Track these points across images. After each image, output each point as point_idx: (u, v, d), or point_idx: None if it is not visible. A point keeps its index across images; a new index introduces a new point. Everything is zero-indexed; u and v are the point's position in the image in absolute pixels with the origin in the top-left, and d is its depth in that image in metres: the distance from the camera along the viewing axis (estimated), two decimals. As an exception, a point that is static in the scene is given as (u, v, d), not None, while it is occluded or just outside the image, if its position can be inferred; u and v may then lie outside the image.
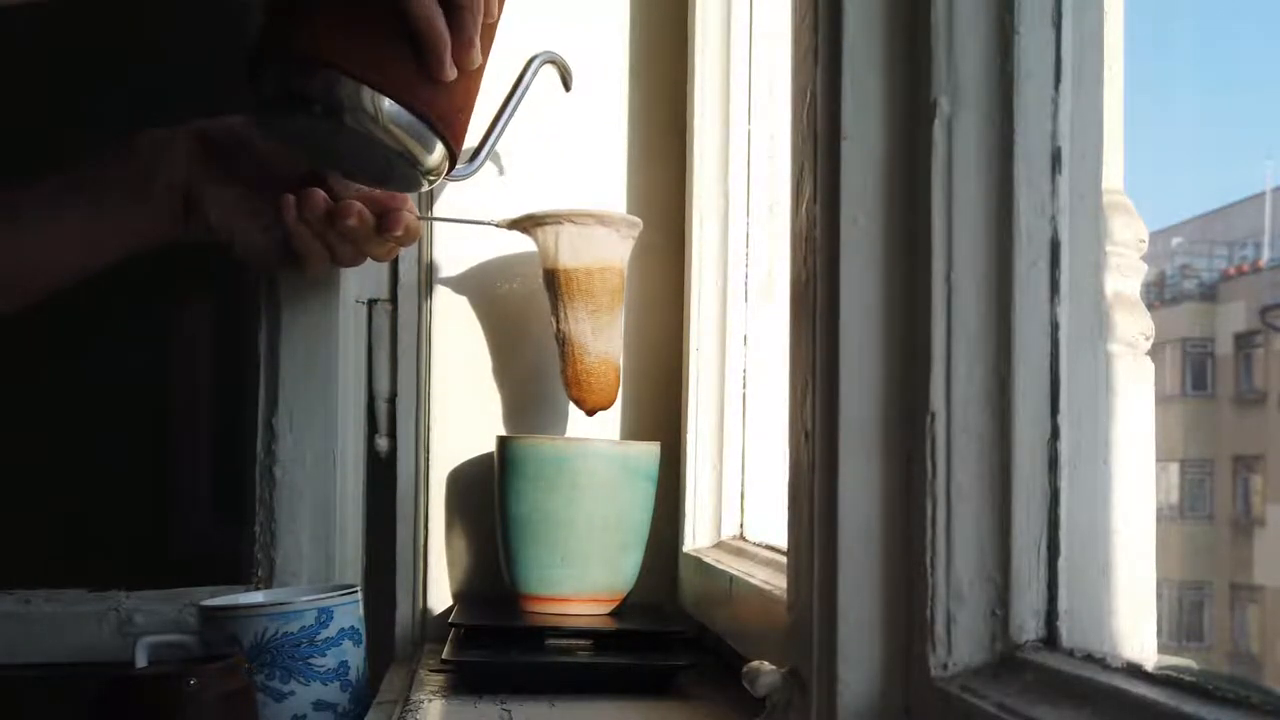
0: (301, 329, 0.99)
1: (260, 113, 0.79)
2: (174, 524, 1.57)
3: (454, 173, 0.84)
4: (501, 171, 1.05)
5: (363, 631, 0.87)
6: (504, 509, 0.95)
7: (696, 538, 1.00)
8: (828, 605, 0.52)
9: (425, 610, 1.04)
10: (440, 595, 1.04)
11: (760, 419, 0.98)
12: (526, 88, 0.92)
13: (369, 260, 0.91)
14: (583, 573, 0.94)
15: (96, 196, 0.89)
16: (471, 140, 0.85)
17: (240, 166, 0.89)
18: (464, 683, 0.85)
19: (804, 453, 0.55)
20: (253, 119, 0.81)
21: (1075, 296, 0.48)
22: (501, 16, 0.80)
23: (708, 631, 0.92)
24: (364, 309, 1.04)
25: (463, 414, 1.05)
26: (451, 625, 0.91)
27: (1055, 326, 0.48)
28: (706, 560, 0.92)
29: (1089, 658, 0.44)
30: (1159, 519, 0.51)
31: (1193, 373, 12.57)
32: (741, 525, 0.98)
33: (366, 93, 0.74)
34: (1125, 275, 0.51)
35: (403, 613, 1.03)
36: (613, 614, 0.96)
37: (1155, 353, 0.51)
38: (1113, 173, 0.50)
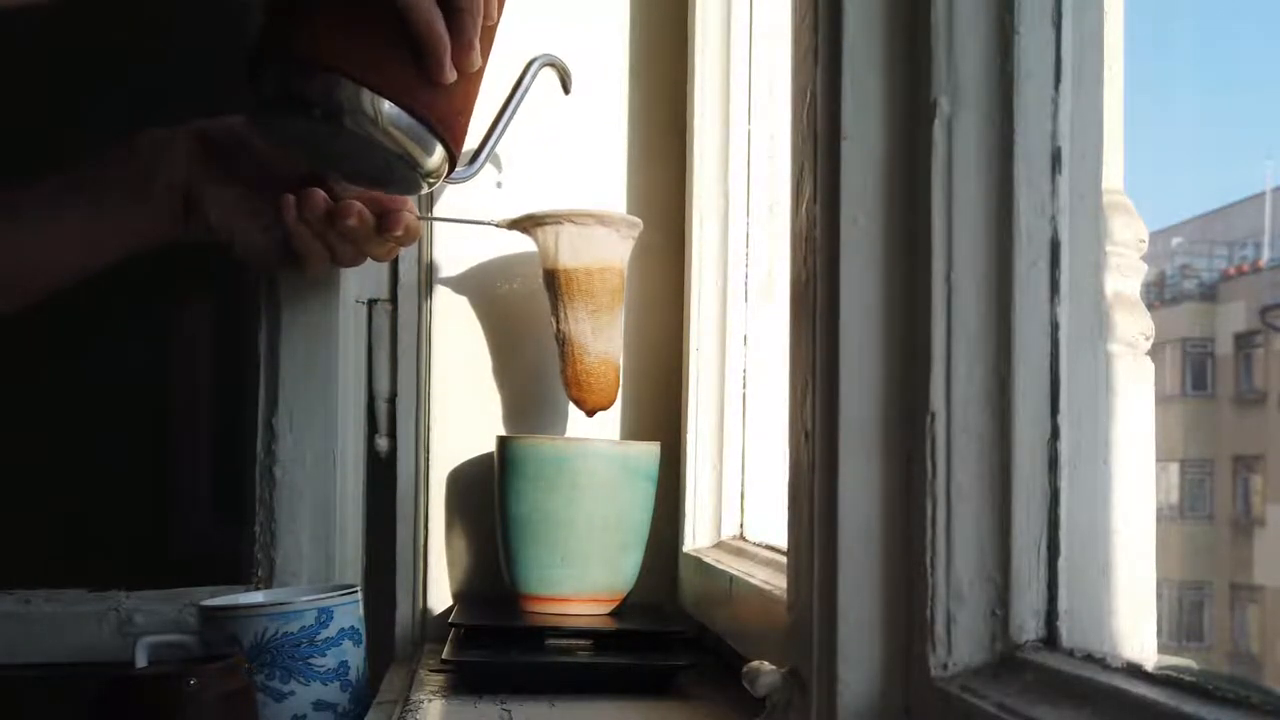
0: (301, 329, 0.99)
1: (259, 114, 0.79)
2: (174, 524, 1.57)
3: (453, 175, 0.84)
4: (501, 173, 1.05)
5: (363, 631, 0.87)
6: (504, 509, 0.95)
7: (696, 538, 1.00)
8: (828, 605, 0.52)
9: (425, 610, 1.04)
10: (440, 595, 1.04)
11: (760, 419, 0.98)
12: (526, 90, 0.92)
13: (369, 260, 0.91)
14: (583, 573, 0.94)
15: (96, 196, 0.89)
16: (471, 142, 0.85)
17: (240, 166, 0.89)
18: (464, 683, 0.85)
19: (804, 453, 0.55)
20: (252, 119, 0.81)
21: (1075, 296, 0.48)
22: (501, 19, 0.80)
23: (708, 631, 0.92)
24: (364, 309, 1.04)
25: (463, 414, 1.05)
26: (451, 625, 0.91)
27: (1055, 326, 0.48)
28: (706, 560, 0.92)
29: (1089, 658, 0.44)
30: (1159, 519, 0.51)
31: (1193, 373, 12.57)
32: (741, 525, 0.98)
33: (366, 95, 0.74)
34: (1125, 275, 0.51)
35: (403, 613, 1.03)
36: (613, 614, 0.96)
37: (1155, 353, 0.51)
38: (1113, 173, 0.50)
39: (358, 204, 0.86)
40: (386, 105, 0.75)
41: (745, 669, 0.60)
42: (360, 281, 1.03)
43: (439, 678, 0.88)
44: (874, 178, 0.52)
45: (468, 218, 1.00)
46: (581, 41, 1.06)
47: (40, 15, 0.73)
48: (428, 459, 1.05)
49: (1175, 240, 13.57)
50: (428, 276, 1.05)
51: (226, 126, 0.89)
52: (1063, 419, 0.47)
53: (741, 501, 0.98)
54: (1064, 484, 0.47)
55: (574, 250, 0.94)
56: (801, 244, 0.57)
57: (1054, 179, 0.48)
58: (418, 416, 1.05)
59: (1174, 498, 12.09)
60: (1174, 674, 0.38)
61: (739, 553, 0.91)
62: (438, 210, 1.05)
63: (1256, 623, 11.10)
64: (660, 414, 1.05)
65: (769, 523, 0.96)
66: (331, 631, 0.83)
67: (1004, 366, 0.48)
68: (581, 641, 0.90)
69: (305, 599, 0.84)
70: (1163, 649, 0.50)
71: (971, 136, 0.49)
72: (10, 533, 1.26)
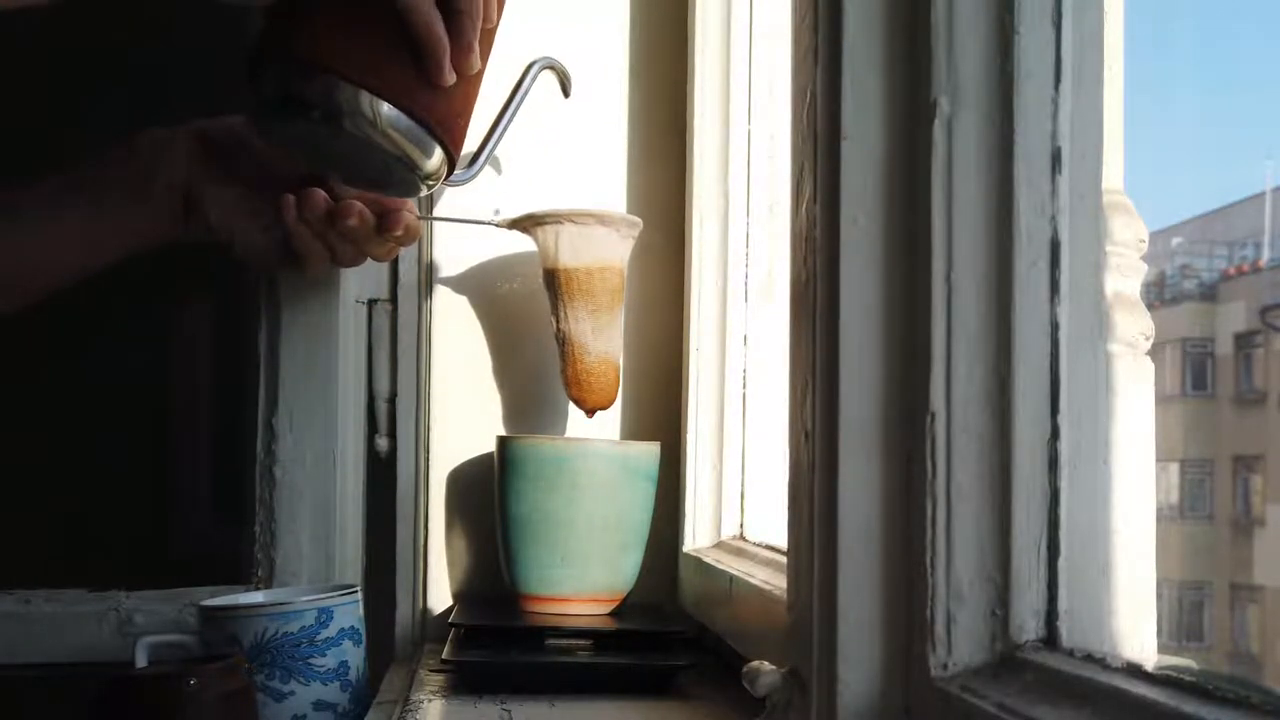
0: (301, 329, 0.99)
1: (259, 115, 0.79)
2: (174, 524, 1.58)
3: (453, 177, 0.84)
4: (500, 175, 1.05)
5: (363, 631, 0.87)
6: (504, 509, 0.95)
7: (696, 538, 1.00)
8: (828, 605, 0.52)
9: (425, 610, 1.04)
10: (440, 595, 1.04)
11: (760, 419, 0.98)
12: (525, 93, 0.92)
13: (369, 260, 0.91)
14: (583, 573, 0.94)
15: (97, 196, 0.89)
16: (470, 145, 0.85)
17: (240, 166, 0.89)
18: (464, 683, 0.85)
19: (804, 453, 0.55)
20: (252, 120, 0.81)
21: (1075, 296, 0.48)
22: (501, 21, 0.80)
23: (708, 631, 0.92)
24: (364, 309, 1.04)
25: (463, 414, 1.05)
26: (451, 625, 0.91)
27: (1055, 326, 0.48)
28: (706, 560, 0.92)
29: (1089, 658, 0.44)
30: (1159, 519, 0.51)
31: (1193, 373, 12.57)
32: (741, 525, 0.98)
33: (365, 97, 0.74)
34: (1125, 275, 0.51)
35: (403, 613, 1.03)
36: (613, 614, 0.96)
37: (1155, 353, 0.51)
38: (1113, 173, 0.50)
39: (358, 204, 0.86)
40: (385, 107, 0.75)
41: (745, 669, 0.60)
42: (360, 281, 1.03)
43: (439, 678, 0.88)
44: (874, 178, 0.52)
45: (468, 217, 1.00)
46: (581, 42, 1.06)
47: (40, 15, 0.73)
48: (428, 459, 1.05)
49: (1175, 240, 13.57)
50: (428, 276, 1.05)
51: (226, 126, 0.89)
52: (1063, 419, 0.47)
53: (741, 501, 0.98)
54: (1064, 484, 0.47)
55: (574, 250, 0.94)
56: (801, 244, 0.57)
57: (1054, 179, 0.48)
58: (418, 416, 1.05)
59: (1174, 498, 12.09)
60: (1174, 674, 0.38)
61: (739, 553, 0.91)
62: (438, 210, 1.05)
63: (1256, 623, 11.10)
64: (660, 414, 1.05)
65: (769, 523, 0.96)
66: (331, 631, 0.83)
67: (1004, 366, 0.48)
68: (581, 641, 0.90)
69: (305, 599, 0.84)
70: (1163, 649, 0.50)
71: (971, 136, 0.49)
72: (10, 533, 1.26)
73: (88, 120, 1.32)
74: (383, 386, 1.05)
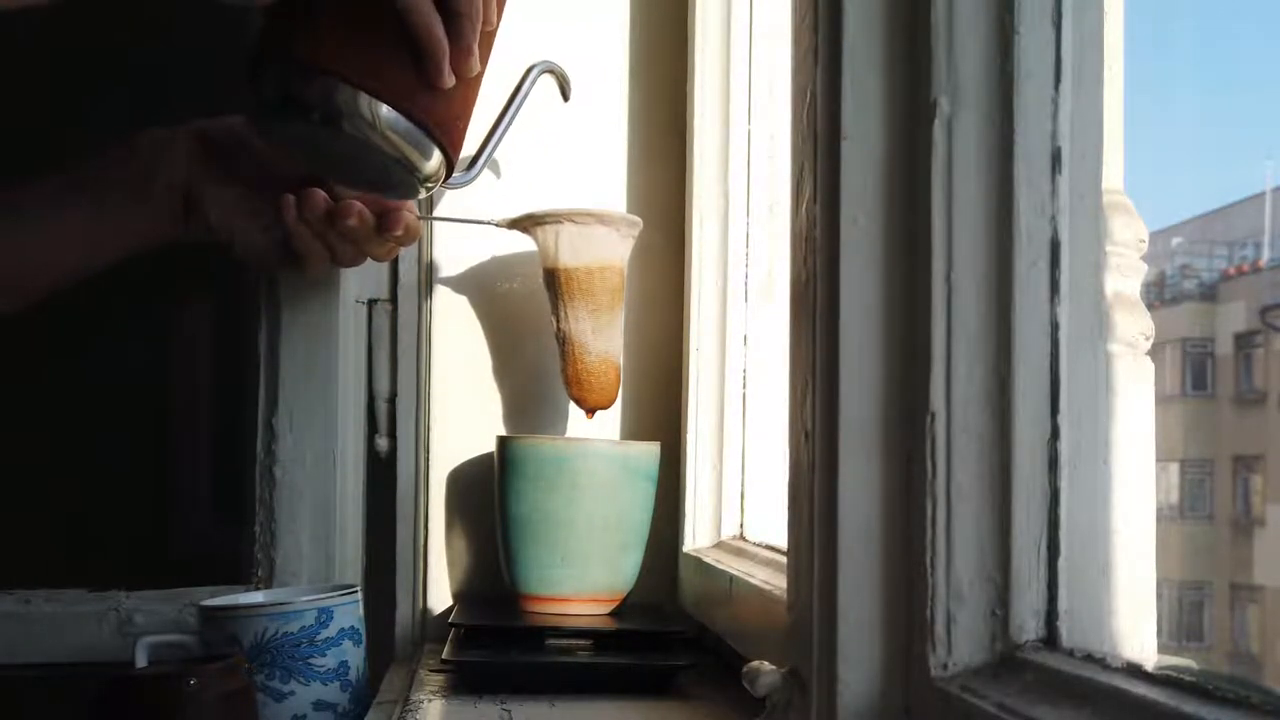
0: (301, 329, 0.99)
1: (259, 116, 0.79)
2: (174, 524, 1.57)
3: (452, 180, 0.84)
4: (500, 178, 1.05)
5: (363, 631, 0.87)
6: (504, 509, 0.95)
7: (696, 538, 1.00)
8: (828, 605, 0.52)
9: (425, 610, 1.04)
10: (440, 595, 1.04)
11: (760, 419, 0.98)
12: (525, 96, 0.92)
13: (369, 260, 0.91)
14: (583, 573, 0.94)
15: (97, 196, 0.89)
16: (470, 148, 0.85)
17: (240, 166, 0.89)
18: (464, 683, 0.85)
19: (804, 453, 0.55)
20: (252, 121, 0.81)
21: (1075, 296, 0.48)
22: (500, 24, 0.80)
23: (708, 631, 0.92)
24: (364, 309, 1.04)
25: (463, 414, 1.05)
26: (451, 625, 0.91)
27: (1055, 326, 0.48)
28: (706, 560, 0.92)
29: (1089, 658, 0.44)
30: (1159, 519, 0.51)
31: (1193, 373, 12.57)
32: (741, 525, 0.98)
33: (364, 99, 0.74)
34: (1125, 275, 0.51)
35: (403, 613, 1.03)
36: (613, 614, 0.96)
37: (1155, 353, 0.51)
38: (1113, 173, 0.50)
39: (358, 204, 0.86)
40: (384, 109, 0.75)
41: (745, 669, 0.60)
42: (360, 281, 1.03)
43: (439, 678, 0.88)
44: (874, 178, 0.52)
45: (468, 217, 1.00)
46: (581, 42, 1.06)
47: (41, 16, 0.73)
48: (428, 459, 1.05)
49: (1175, 240, 13.57)
50: (428, 276, 1.06)
51: (226, 126, 0.89)
52: (1063, 419, 0.47)
53: (741, 501, 0.98)
54: (1064, 484, 0.47)
55: (574, 250, 0.94)
56: (801, 244, 0.57)
57: (1054, 179, 0.48)
58: (418, 416, 1.05)
59: (1174, 498, 12.09)
60: (1174, 674, 0.38)
61: (739, 553, 0.91)
62: (438, 210, 1.05)
63: (1256, 623, 11.10)
64: (660, 414, 1.05)
65: (769, 523, 0.96)
66: (331, 631, 0.83)
67: (1004, 366, 0.48)
68: (581, 641, 0.90)
69: (305, 599, 0.84)
70: (1163, 649, 0.50)
71: (971, 136, 0.49)
72: (10, 533, 1.26)
73: (89, 120, 1.32)
74: (383, 386, 1.05)
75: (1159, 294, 12.67)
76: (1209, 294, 13.14)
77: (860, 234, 0.52)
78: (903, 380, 0.51)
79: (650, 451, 0.97)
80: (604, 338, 0.96)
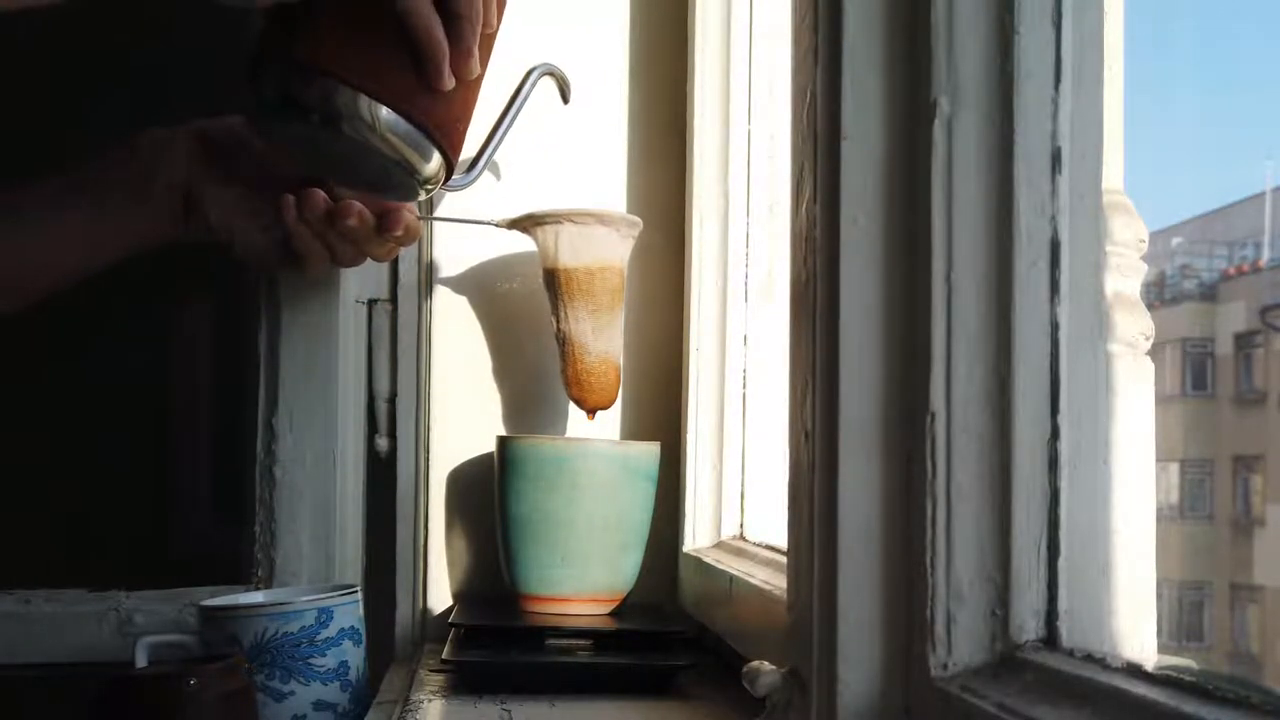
0: (301, 329, 0.99)
1: (258, 117, 0.79)
2: (174, 524, 1.57)
3: (451, 182, 0.84)
4: (500, 180, 1.05)
5: (363, 631, 0.87)
6: (504, 509, 0.95)
7: (696, 538, 1.00)
8: (828, 605, 0.52)
9: (425, 610, 1.04)
10: (440, 595, 1.04)
11: (760, 419, 0.98)
12: (525, 98, 0.92)
13: (369, 260, 0.91)
14: (583, 573, 0.94)
15: (98, 197, 0.89)
16: (470, 150, 0.85)
17: (240, 166, 0.89)
18: (464, 683, 0.85)
19: (804, 453, 0.55)
20: (252, 122, 0.81)
21: (1075, 296, 0.48)
22: (501, 26, 0.80)
23: (708, 631, 0.92)
24: (364, 309, 1.04)
25: (463, 414, 1.05)
26: (451, 625, 0.91)
27: (1055, 326, 0.48)
28: (706, 560, 0.92)
29: (1089, 658, 0.44)
30: (1159, 519, 0.51)
31: (1193, 373, 12.57)
32: (741, 525, 0.98)
33: (364, 101, 0.74)
34: (1125, 275, 0.51)
35: (403, 613, 1.03)
36: (613, 614, 0.96)
37: (1155, 353, 0.51)
38: (1113, 173, 0.50)
39: (358, 204, 0.86)
40: (384, 111, 0.75)
41: (745, 669, 0.60)
42: (360, 281, 1.03)
43: (439, 678, 0.88)
44: (874, 178, 0.52)
45: (468, 218, 1.00)
46: (581, 43, 1.06)
47: (42, 17, 0.73)
48: (428, 459, 1.05)
49: (1175, 240, 13.56)
50: (428, 276, 1.06)
51: (226, 126, 0.89)
52: (1063, 419, 0.47)
53: (741, 501, 0.98)
54: (1064, 484, 0.47)
55: (574, 250, 0.94)
56: (801, 244, 0.57)
57: (1054, 179, 0.48)
58: (418, 416, 1.05)
59: (1174, 498, 12.09)
60: (1174, 674, 0.38)
61: (739, 553, 0.91)
62: (438, 210, 1.05)
63: (1256, 623, 11.10)
64: (660, 414, 1.05)
65: (769, 523, 0.96)
66: (331, 631, 0.83)
67: (1004, 366, 0.48)
68: (581, 641, 0.90)
69: (305, 599, 0.84)
70: (1163, 649, 0.50)
71: (971, 136, 0.49)
72: (10, 533, 1.26)
73: (89, 121, 1.32)
74: (383, 386, 1.05)
75: (1159, 294, 12.67)
76: (1209, 294, 13.14)
77: (860, 234, 0.52)
78: (903, 380, 0.51)
79: (650, 451, 0.97)
80: (604, 338, 0.96)
